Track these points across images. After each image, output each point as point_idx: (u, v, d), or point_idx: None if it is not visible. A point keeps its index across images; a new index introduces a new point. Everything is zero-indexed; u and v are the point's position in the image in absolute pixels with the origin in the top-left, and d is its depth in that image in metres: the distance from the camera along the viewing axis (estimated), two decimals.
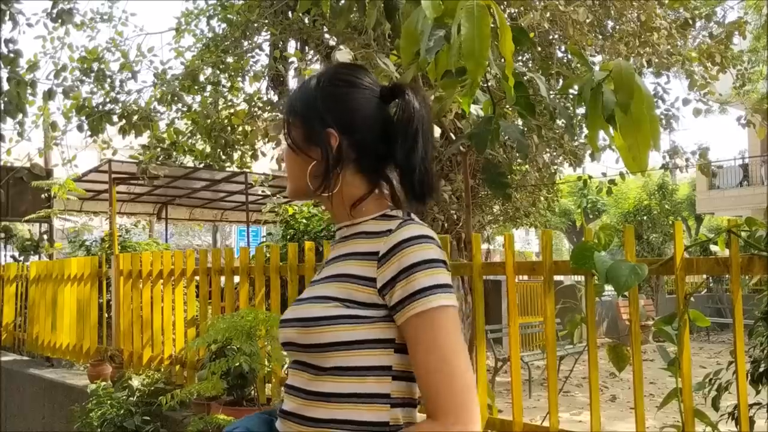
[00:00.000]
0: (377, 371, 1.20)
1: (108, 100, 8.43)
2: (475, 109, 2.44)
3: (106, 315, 5.89)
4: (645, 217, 20.31)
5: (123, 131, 7.98)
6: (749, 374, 2.78)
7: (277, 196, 6.24)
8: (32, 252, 9.25)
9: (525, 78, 2.43)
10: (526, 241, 34.30)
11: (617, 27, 7.38)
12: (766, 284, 2.97)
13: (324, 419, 1.20)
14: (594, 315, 2.74)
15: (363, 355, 1.19)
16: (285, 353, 1.41)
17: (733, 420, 2.85)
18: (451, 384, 1.14)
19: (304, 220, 4.41)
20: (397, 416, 1.21)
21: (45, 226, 9.63)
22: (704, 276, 6.19)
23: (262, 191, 7.57)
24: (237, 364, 3.35)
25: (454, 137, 4.34)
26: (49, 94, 7.90)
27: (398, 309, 1.18)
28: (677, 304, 2.46)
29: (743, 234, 2.36)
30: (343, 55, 3.23)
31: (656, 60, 7.00)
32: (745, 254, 2.32)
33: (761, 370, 2.89)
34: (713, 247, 2.57)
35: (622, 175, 8.52)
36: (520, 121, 4.52)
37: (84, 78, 8.67)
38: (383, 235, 1.23)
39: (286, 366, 4.18)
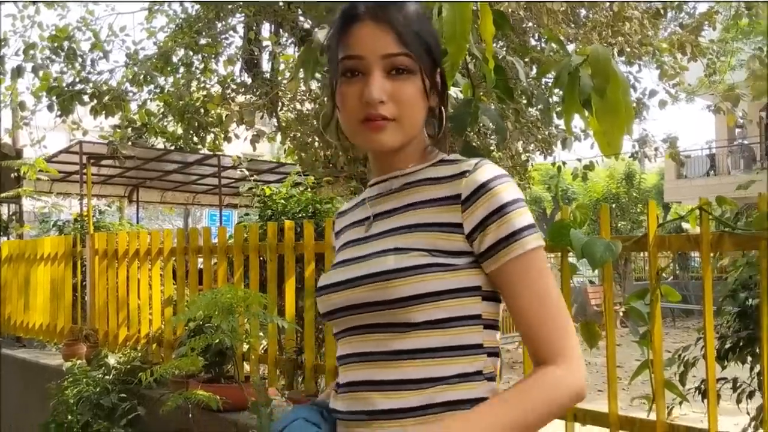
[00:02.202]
0: (469, 320, 1.12)
1: (79, 79, 8.31)
2: (454, 92, 2.48)
3: (81, 294, 5.85)
4: (613, 205, 20.63)
5: (94, 112, 7.88)
6: (716, 351, 2.88)
7: (254, 177, 6.24)
8: (1, 233, 9.14)
9: (503, 61, 2.47)
10: None
11: (590, 16, 7.48)
12: (733, 264, 3.08)
13: (414, 379, 1.09)
14: (570, 293, 2.82)
15: (454, 306, 1.11)
16: (332, 323, 1.20)
17: (699, 394, 2.96)
18: (564, 328, 1.10)
19: (282, 201, 4.42)
20: (489, 365, 1.14)
21: (13, 207, 9.50)
22: (670, 261, 6.32)
23: (240, 171, 7.54)
24: (217, 340, 3.37)
25: None
26: (18, 72, 7.78)
27: (491, 254, 1.10)
28: (649, 279, 2.54)
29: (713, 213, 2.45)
30: (325, 34, 3.24)
31: (628, 49, 7.11)
32: (715, 231, 2.41)
33: (727, 346, 3.00)
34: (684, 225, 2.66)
35: (590, 165, 8.67)
36: (493, 106, 4.58)
37: (54, 57, 8.53)
38: (458, 177, 1.14)
39: (263, 345, 4.20)
